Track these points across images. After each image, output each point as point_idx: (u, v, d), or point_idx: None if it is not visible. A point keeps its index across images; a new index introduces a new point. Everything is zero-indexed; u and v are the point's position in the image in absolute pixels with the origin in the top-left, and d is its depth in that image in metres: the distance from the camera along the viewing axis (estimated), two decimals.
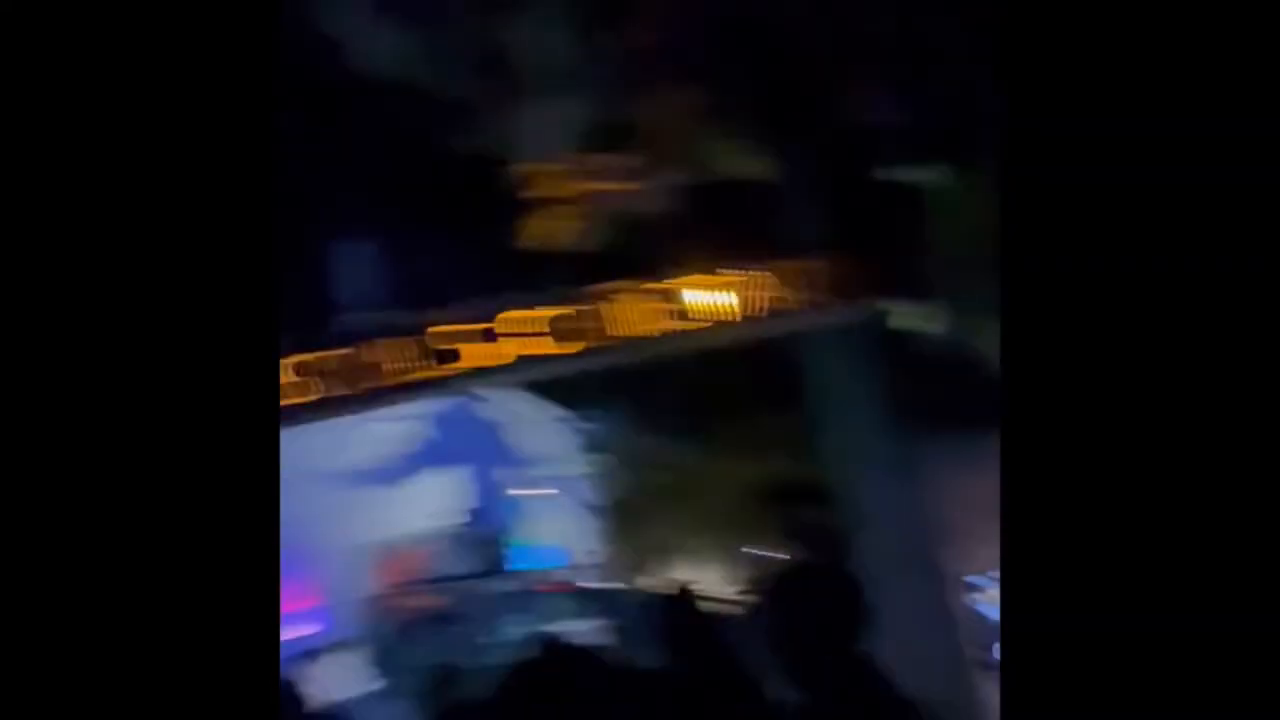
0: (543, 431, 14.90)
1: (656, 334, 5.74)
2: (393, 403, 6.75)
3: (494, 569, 11.79)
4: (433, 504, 13.96)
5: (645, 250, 6.47)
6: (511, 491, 13.98)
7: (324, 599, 13.15)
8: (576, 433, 14.85)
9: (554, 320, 5.66)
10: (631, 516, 14.28)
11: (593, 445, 14.78)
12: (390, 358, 5.49)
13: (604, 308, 5.72)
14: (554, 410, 14.86)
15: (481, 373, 5.63)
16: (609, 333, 5.66)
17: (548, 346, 5.67)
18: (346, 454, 13.78)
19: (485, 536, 12.42)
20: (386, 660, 10.45)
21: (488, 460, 14.37)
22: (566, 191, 6.45)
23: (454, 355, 5.55)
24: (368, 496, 13.67)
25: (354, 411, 5.73)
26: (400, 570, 13.21)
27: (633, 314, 5.70)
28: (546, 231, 6.60)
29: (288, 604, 13.70)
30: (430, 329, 5.54)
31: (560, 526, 13.90)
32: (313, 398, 5.44)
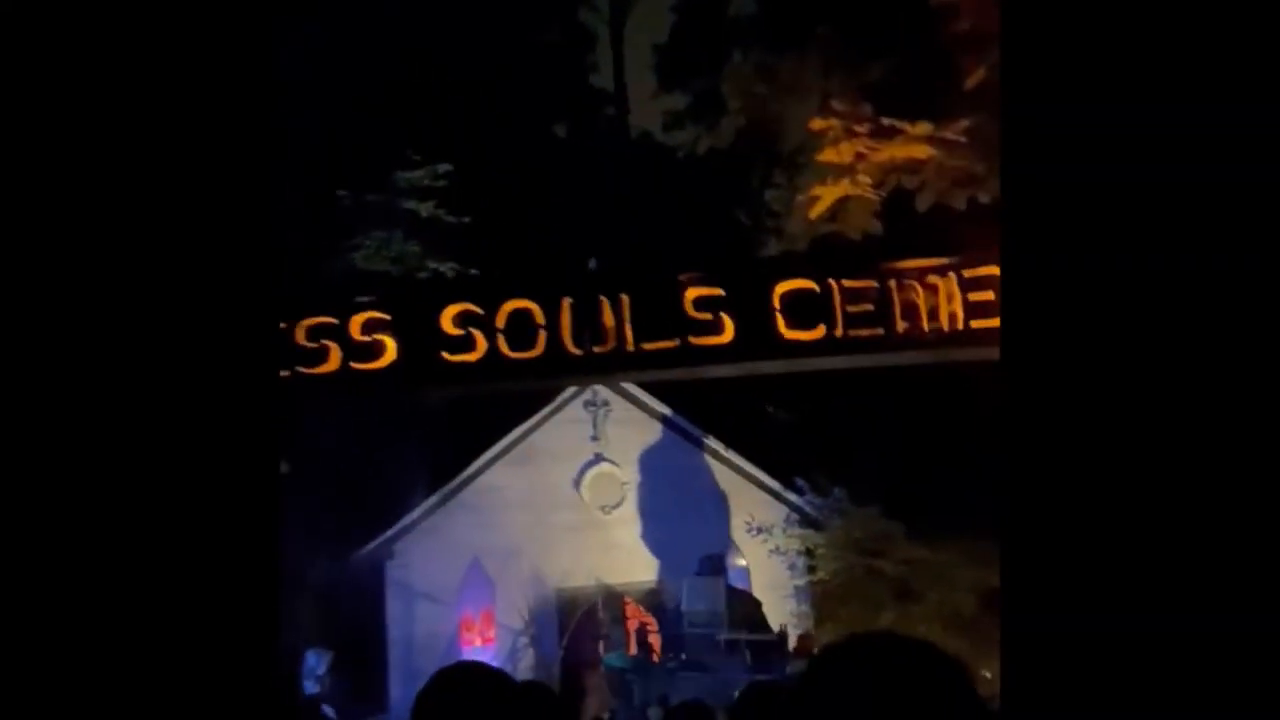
0: (762, 499, 13.41)
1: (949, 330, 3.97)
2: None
3: (750, 626, 10.79)
4: (653, 553, 12.72)
5: (941, 228, 4.81)
6: (734, 555, 12.46)
7: (519, 633, 12.13)
8: (795, 506, 13.29)
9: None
10: (845, 602, 12.48)
11: (810, 522, 13.17)
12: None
13: (891, 292, 4.03)
14: (772, 480, 13.41)
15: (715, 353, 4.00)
16: (899, 324, 3.96)
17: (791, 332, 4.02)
18: (567, 492, 12.91)
19: (736, 593, 11.36)
20: (649, 694, 9.77)
21: (713, 518, 13.00)
22: (852, 157, 4.90)
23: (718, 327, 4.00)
24: (586, 537, 12.66)
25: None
26: (634, 614, 12.02)
27: (923, 302, 3.99)
28: (826, 202, 5.06)
29: (469, 639, 13.07)
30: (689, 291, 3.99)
31: (771, 599, 12.20)
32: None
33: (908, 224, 5.01)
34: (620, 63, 19.16)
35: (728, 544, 12.89)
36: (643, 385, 13.47)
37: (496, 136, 16.72)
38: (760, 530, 13.22)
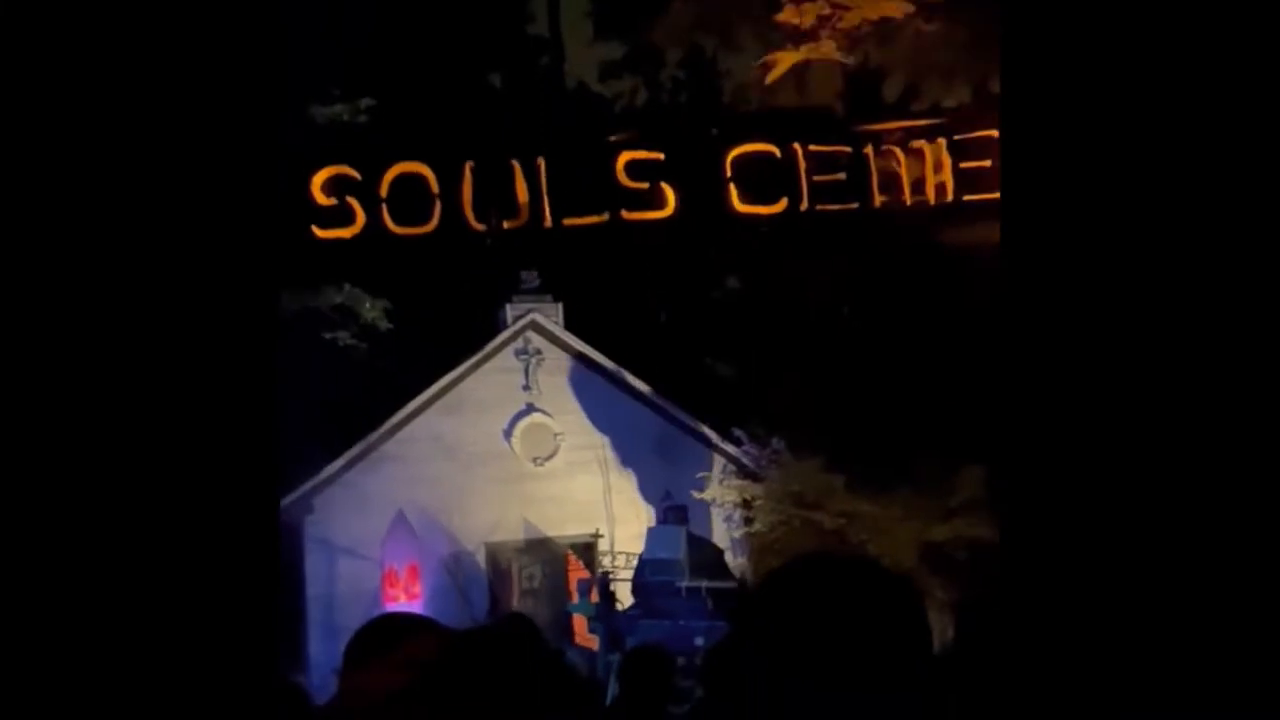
0: (699, 451, 12.56)
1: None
2: None
3: (711, 574, 10.17)
4: (590, 505, 11.85)
5: (922, 87, 3.91)
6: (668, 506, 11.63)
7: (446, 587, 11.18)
8: (732, 457, 12.46)
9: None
10: (782, 555, 11.72)
11: (747, 473, 12.37)
12: None
13: (868, 159, 3.11)
14: (709, 430, 12.57)
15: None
16: (876, 198, 3.05)
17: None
18: (497, 443, 11.93)
19: (697, 541, 10.64)
20: (614, 643, 9.38)
21: (654, 469, 12.16)
22: (814, 20, 3.98)
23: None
24: (517, 489, 11.72)
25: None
26: (574, 566, 11.16)
27: (906, 171, 3.09)
28: (783, 67, 4.14)
29: (394, 595, 12.07)
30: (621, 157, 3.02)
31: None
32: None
33: (880, 101, 4.12)
34: (556, 10, 18.03)
35: (664, 494, 12.04)
36: (576, 332, 12.54)
37: (426, 81, 15.52)
38: (708, 481, 12.42)
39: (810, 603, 1.12)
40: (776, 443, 12.09)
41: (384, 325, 12.41)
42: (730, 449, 12.56)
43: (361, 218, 3.19)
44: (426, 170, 3.23)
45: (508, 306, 12.43)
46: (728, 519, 12.30)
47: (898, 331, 11.05)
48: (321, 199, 3.23)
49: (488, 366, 12.26)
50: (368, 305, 12.23)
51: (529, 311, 12.36)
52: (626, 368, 12.62)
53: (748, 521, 12.17)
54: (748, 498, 12.18)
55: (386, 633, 1.73)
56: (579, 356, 12.52)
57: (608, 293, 12.65)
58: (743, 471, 12.42)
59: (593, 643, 9.99)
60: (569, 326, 12.59)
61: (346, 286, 12.01)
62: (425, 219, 3.21)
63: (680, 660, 3.20)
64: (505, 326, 12.36)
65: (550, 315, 12.46)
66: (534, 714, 1.34)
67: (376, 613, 10.95)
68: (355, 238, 3.19)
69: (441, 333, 12.17)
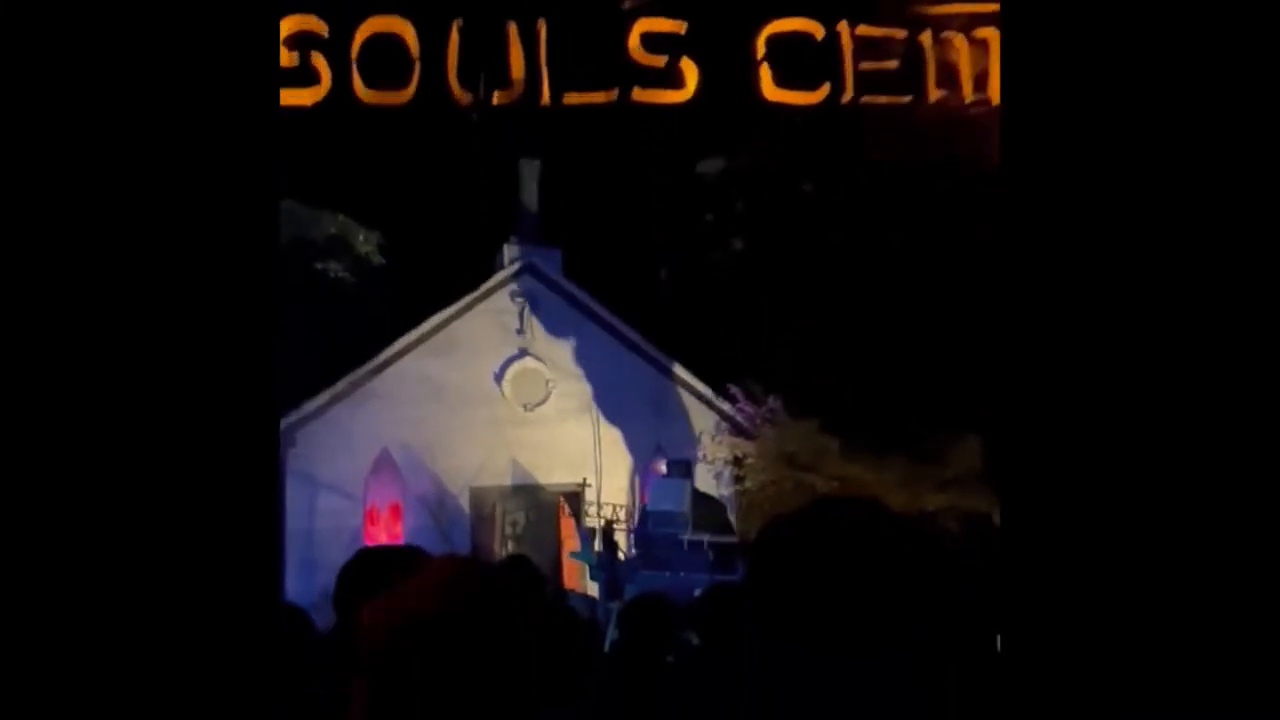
0: (691, 404, 12.08)
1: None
2: None
3: (714, 528, 9.82)
4: (578, 453, 11.38)
5: None
6: (659, 459, 11.17)
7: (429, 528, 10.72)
8: (726, 414, 11.98)
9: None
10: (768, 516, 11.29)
11: (740, 431, 11.90)
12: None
13: (924, 47, 2.56)
14: (703, 385, 12.07)
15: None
16: (932, 92, 2.50)
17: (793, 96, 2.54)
18: (487, 386, 11.42)
19: (701, 496, 10.29)
20: (613, 591, 9.10)
21: (645, 420, 11.68)
22: None
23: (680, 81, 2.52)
24: (506, 434, 11.23)
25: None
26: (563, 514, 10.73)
27: (968, 63, 2.55)
28: None
29: (375, 534, 11.65)
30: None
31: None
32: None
33: None
34: None
35: (655, 447, 11.58)
36: (575, 278, 12.00)
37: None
38: (698, 438, 11.96)
39: (803, 567, 1.08)
40: (773, 401, 11.63)
41: (377, 259, 11.84)
42: (725, 405, 12.09)
43: (327, 81, 2.65)
44: (406, 26, 2.68)
45: (505, 248, 11.89)
46: (718, 476, 11.85)
47: (906, 294, 10.53)
48: (281, 55, 2.68)
49: (481, 308, 11.73)
50: (361, 238, 11.64)
51: (526, 254, 11.82)
52: (624, 317, 12.10)
53: (738, 480, 11.73)
54: (739, 455, 11.74)
55: (389, 562, 1.71)
56: (576, 303, 11.98)
57: (608, 237, 12.06)
58: (736, 429, 11.96)
59: (582, 590, 9.60)
60: (568, 273, 12.06)
61: (340, 217, 11.42)
62: (401, 83, 2.68)
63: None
64: (501, 268, 11.82)
65: (548, 260, 11.93)
66: (540, 650, 1.26)
67: (356, 550, 10.58)
68: (319, 105, 2.65)
69: (436, 270, 11.60)
